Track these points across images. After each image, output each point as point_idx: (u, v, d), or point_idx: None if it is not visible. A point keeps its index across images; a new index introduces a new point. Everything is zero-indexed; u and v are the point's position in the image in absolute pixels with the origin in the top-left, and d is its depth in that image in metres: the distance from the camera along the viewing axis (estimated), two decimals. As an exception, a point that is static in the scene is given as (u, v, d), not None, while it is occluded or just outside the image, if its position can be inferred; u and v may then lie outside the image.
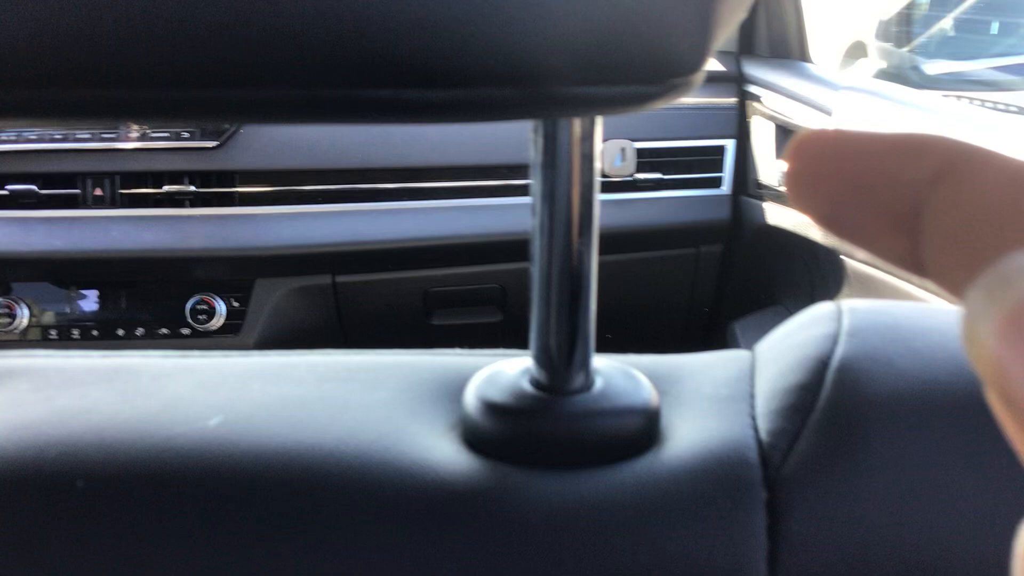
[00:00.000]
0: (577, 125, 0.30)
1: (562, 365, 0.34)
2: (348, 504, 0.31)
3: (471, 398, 0.34)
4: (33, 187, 1.24)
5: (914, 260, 0.14)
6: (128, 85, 0.22)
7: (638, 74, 0.24)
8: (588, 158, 0.31)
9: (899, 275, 1.08)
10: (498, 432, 0.33)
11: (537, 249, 0.33)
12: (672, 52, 0.24)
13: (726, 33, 0.26)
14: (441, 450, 0.33)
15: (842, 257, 1.21)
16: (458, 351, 0.40)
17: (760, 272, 1.50)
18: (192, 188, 1.26)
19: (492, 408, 0.33)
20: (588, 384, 0.34)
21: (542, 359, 0.34)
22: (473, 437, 0.34)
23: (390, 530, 0.31)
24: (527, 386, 0.34)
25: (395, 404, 0.35)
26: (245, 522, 0.31)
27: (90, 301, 1.31)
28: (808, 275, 1.40)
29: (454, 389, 0.36)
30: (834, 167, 0.15)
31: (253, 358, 0.39)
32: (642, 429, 0.34)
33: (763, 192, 1.39)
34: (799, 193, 0.15)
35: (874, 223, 0.14)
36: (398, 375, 0.37)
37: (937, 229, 0.13)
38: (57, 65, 0.21)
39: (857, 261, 1.18)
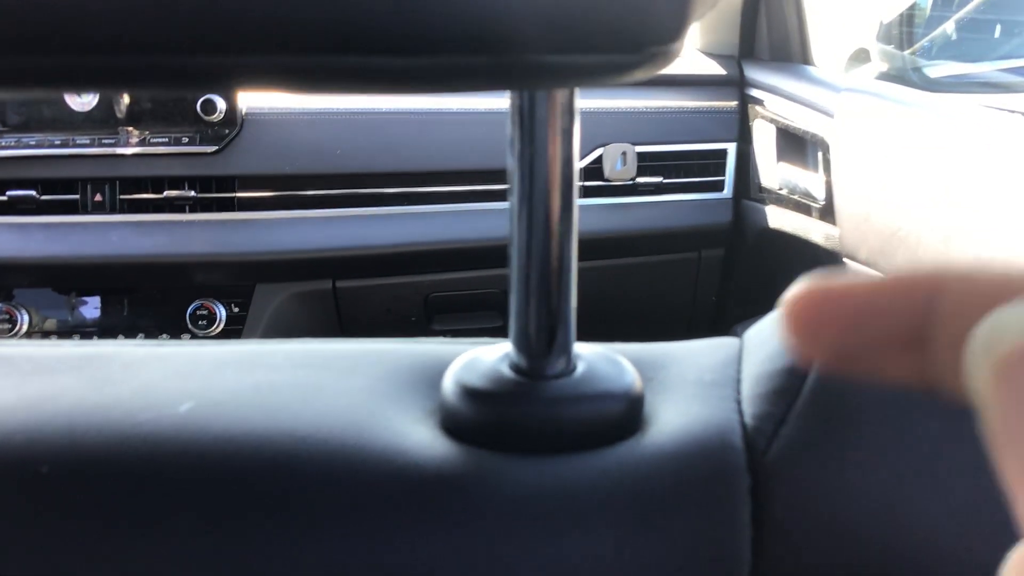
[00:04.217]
0: (555, 99, 0.30)
1: (542, 349, 0.33)
2: (321, 489, 0.30)
3: (449, 383, 0.33)
4: (32, 193, 1.24)
5: (922, 374, 0.16)
6: (108, 52, 0.21)
7: (615, 42, 0.23)
8: (567, 134, 0.30)
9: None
10: (476, 417, 0.32)
11: (515, 229, 0.32)
12: (650, 19, 0.23)
13: (708, 1, 0.26)
14: (418, 435, 0.32)
15: (844, 260, 1.20)
16: (437, 339, 0.39)
17: (762, 276, 1.49)
18: (192, 193, 1.26)
19: (470, 393, 0.33)
20: (569, 369, 0.33)
21: (521, 343, 0.33)
22: (451, 423, 0.33)
23: (364, 515, 0.30)
24: (507, 371, 0.33)
25: (372, 390, 0.35)
26: (214, 506, 0.30)
27: (91, 307, 1.31)
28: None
29: (433, 376, 0.35)
30: (831, 316, 0.16)
31: (228, 346, 0.38)
32: (624, 415, 0.33)
33: (765, 196, 1.38)
34: (800, 344, 0.16)
35: (880, 352, 0.16)
36: (376, 362, 0.37)
37: (946, 337, 0.15)
38: (44, 31, 0.21)
39: (860, 264, 1.16)
